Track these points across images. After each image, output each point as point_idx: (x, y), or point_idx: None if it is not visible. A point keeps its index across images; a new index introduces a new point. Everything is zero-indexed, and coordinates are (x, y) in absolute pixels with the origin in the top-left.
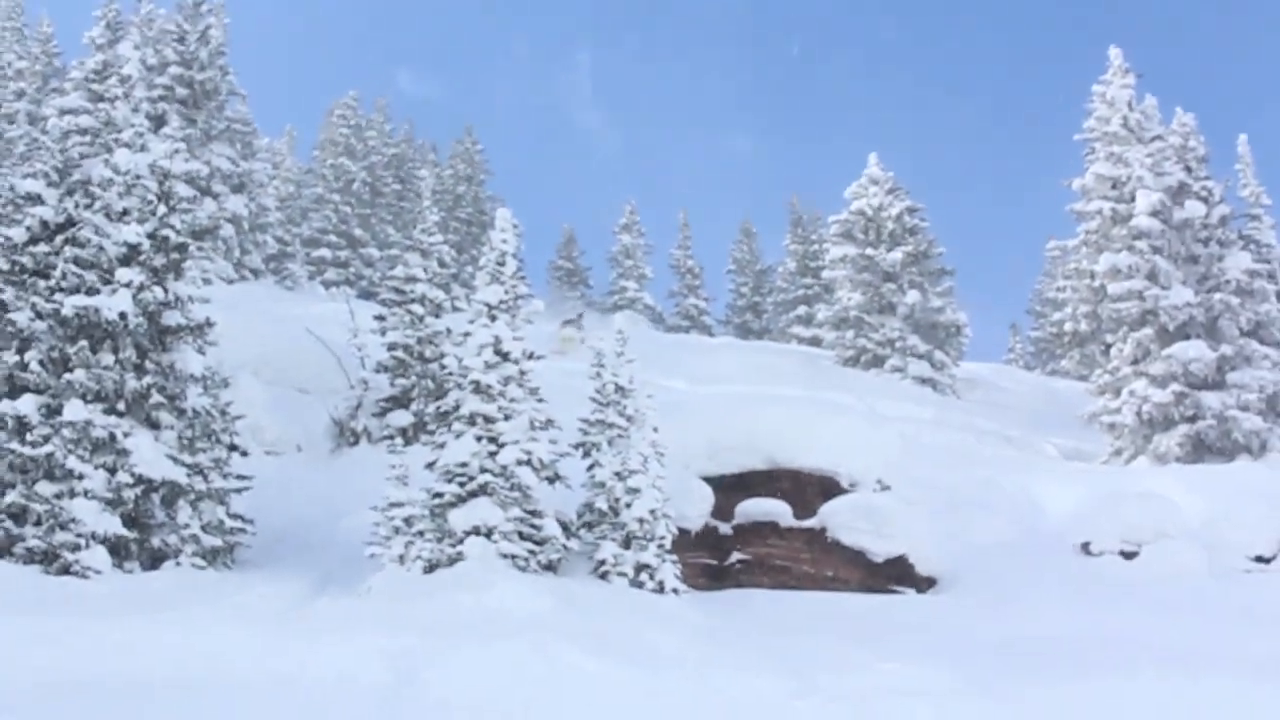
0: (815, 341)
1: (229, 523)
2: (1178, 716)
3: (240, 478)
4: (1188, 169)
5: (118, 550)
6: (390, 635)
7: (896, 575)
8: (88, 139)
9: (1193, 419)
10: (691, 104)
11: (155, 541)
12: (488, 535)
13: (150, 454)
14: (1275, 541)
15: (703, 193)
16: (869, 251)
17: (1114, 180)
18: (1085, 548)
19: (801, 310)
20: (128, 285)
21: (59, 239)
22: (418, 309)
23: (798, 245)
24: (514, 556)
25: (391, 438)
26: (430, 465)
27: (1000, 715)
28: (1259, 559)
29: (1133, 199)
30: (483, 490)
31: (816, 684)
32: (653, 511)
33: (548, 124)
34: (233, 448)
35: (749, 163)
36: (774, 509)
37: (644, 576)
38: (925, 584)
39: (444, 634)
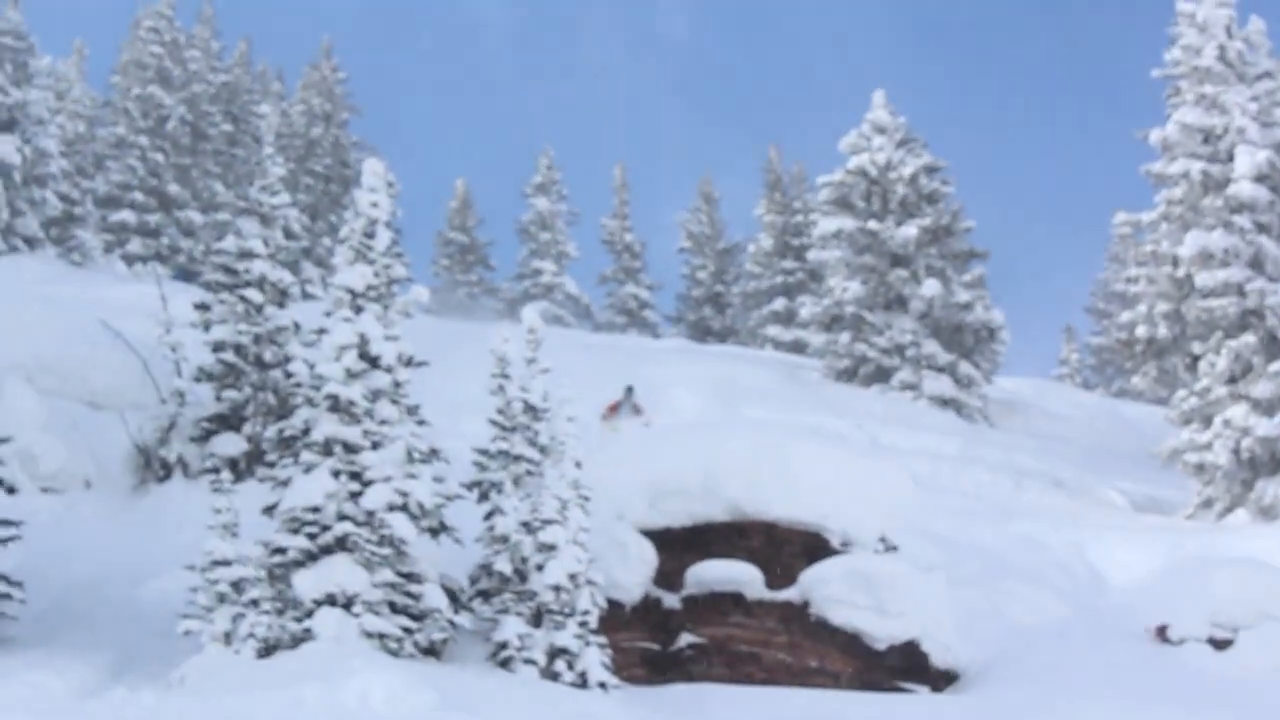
0: (798, 346)
1: None
2: None
3: (5, 524)
4: None
5: None
6: None
7: (904, 667)
8: None
9: None
10: None
11: None
12: (346, 606)
13: None
14: None
15: (636, 114)
16: (872, 225)
17: (1206, 132)
18: (1161, 633)
19: (779, 304)
20: None
21: None
22: (255, 295)
23: (776, 215)
24: (383, 635)
25: (216, 471)
26: (269, 510)
27: None
28: None
29: (1231, 158)
30: (341, 545)
31: None
32: (573, 576)
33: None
34: None
35: (696, 56)
36: (739, 575)
37: (560, 665)
38: (943, 679)
39: None
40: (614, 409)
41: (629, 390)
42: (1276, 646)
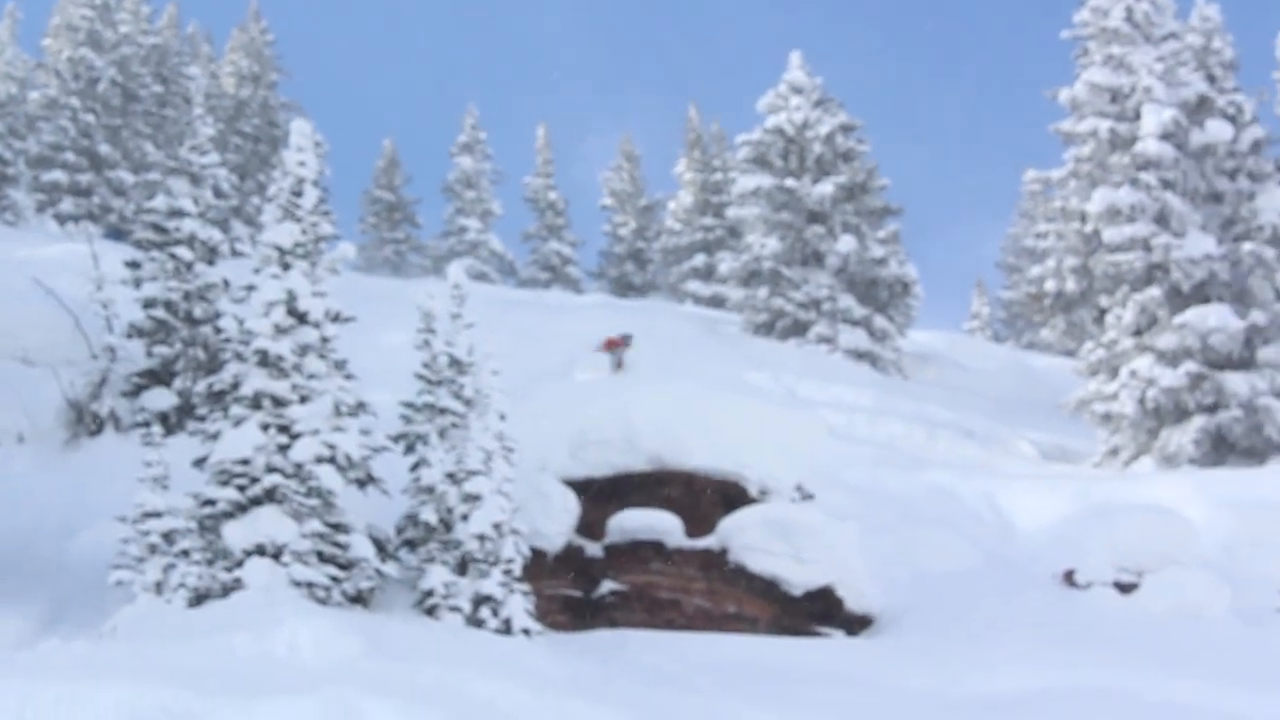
0: (717, 301)
1: None
2: None
3: None
4: (1210, 78)
5: None
6: (140, 689)
7: (820, 612)
8: None
9: (1212, 408)
10: None
11: None
12: (275, 556)
13: None
14: None
15: (558, 64)
16: (789, 183)
17: (1114, 91)
18: (1069, 577)
19: (699, 260)
20: None
21: None
22: (185, 253)
23: (696, 173)
24: (311, 584)
25: (147, 425)
26: (199, 462)
27: None
28: None
29: (1138, 116)
30: (270, 496)
31: None
32: (497, 526)
33: None
34: None
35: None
36: (659, 524)
37: (485, 612)
38: (858, 624)
39: (213, 688)
40: (612, 345)
41: (627, 338)
42: (1178, 589)
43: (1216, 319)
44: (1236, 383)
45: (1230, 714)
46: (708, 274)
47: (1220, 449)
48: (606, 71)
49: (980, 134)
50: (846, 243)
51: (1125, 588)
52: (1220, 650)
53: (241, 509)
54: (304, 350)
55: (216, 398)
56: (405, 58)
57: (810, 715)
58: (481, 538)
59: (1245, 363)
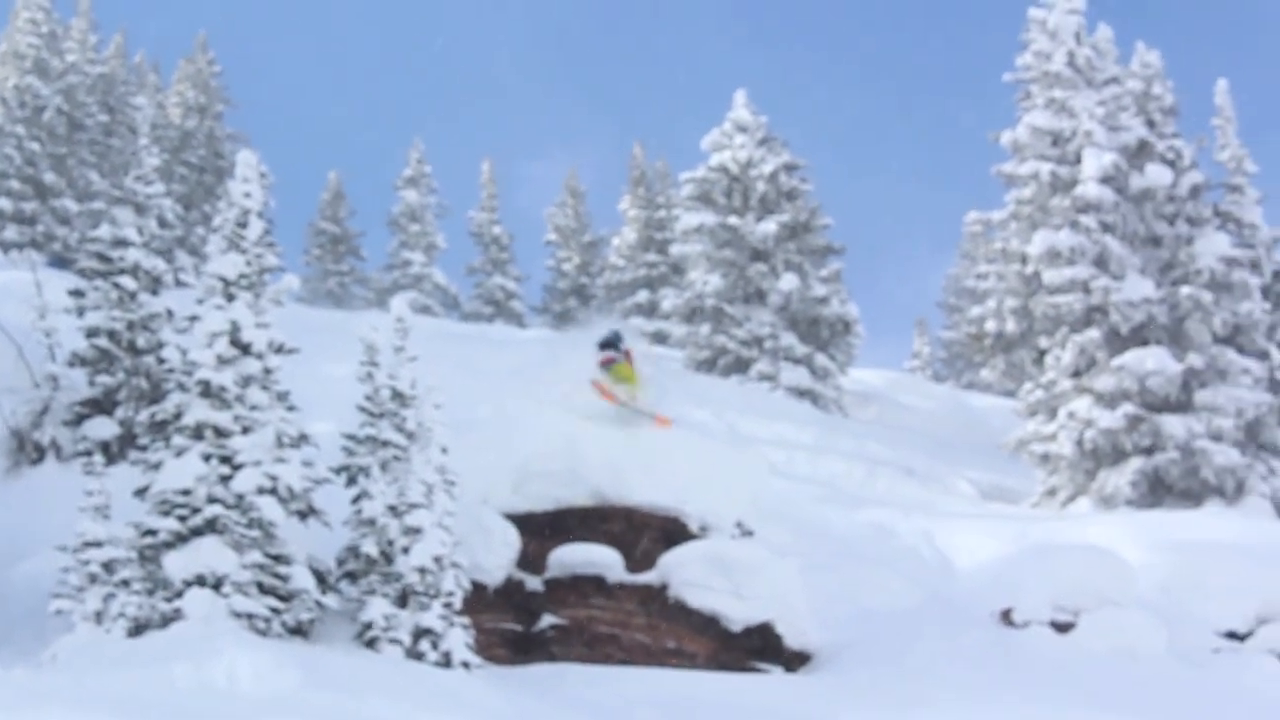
0: (660, 337)
1: None
2: None
3: None
4: (1150, 123)
5: None
6: (83, 718)
7: (759, 649)
8: None
9: (1150, 450)
10: None
11: None
12: (216, 587)
13: None
14: (1253, 613)
15: (500, 97)
16: (732, 221)
17: (1055, 135)
18: (1006, 616)
19: (643, 296)
20: None
21: None
22: (129, 283)
23: (640, 210)
24: (251, 615)
25: (89, 454)
26: (141, 492)
27: None
28: (1231, 635)
29: (1078, 160)
30: (210, 527)
31: None
32: (438, 559)
33: None
34: None
35: (566, 41)
36: (600, 559)
37: (425, 645)
38: (796, 660)
39: (154, 718)
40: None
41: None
42: (1116, 629)
43: (1154, 362)
44: (1174, 425)
45: None
46: (651, 310)
47: (1157, 491)
48: (553, 104)
49: (922, 173)
50: (789, 281)
51: (1062, 627)
52: (1158, 690)
53: (182, 539)
54: (247, 381)
55: (158, 428)
56: (352, 90)
57: None
58: (422, 570)
59: (1182, 405)
